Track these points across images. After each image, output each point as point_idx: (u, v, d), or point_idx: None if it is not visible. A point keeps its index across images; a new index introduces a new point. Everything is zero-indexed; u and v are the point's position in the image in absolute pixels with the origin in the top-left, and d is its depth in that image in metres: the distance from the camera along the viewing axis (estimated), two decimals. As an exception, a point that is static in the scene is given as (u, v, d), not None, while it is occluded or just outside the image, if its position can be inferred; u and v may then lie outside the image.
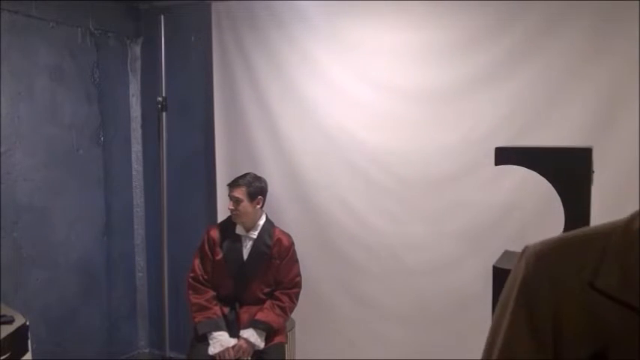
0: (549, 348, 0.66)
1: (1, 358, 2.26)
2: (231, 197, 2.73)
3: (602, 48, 2.42)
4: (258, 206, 2.78)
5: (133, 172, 3.74)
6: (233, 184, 2.76)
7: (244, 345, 2.64)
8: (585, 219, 1.64)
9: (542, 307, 0.67)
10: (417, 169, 2.83)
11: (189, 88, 3.50)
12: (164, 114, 3.09)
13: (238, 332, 2.69)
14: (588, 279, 0.64)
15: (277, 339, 2.74)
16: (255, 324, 2.68)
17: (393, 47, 2.83)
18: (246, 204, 2.72)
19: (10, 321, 2.40)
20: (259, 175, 2.87)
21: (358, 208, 2.99)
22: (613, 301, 0.61)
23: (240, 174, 2.84)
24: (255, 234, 2.75)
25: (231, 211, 2.74)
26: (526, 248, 0.73)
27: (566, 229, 1.64)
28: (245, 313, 2.73)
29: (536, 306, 0.68)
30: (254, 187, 2.75)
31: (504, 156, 1.81)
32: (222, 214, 3.15)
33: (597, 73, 2.42)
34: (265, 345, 2.69)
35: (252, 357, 2.67)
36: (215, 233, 2.79)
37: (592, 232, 0.69)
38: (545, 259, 0.69)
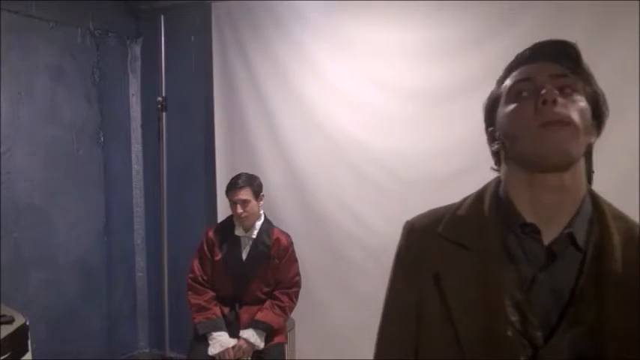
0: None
1: (1, 358, 2.26)
2: (238, 200, 2.67)
3: (601, 47, 2.41)
4: (261, 203, 2.78)
5: (133, 172, 3.74)
6: (235, 187, 2.69)
7: (244, 345, 2.64)
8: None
9: (414, 263, 0.92)
10: (418, 169, 2.82)
11: (189, 88, 3.50)
12: (164, 114, 3.09)
13: (238, 332, 2.68)
14: (437, 230, 0.90)
15: (277, 339, 2.74)
16: (254, 324, 2.68)
17: (393, 47, 2.83)
18: (254, 203, 2.70)
19: (10, 321, 2.40)
20: (258, 174, 2.86)
21: (358, 208, 2.98)
22: (448, 241, 0.88)
23: (240, 174, 2.82)
24: (253, 234, 2.75)
25: (240, 214, 2.67)
26: (405, 223, 0.97)
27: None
28: (245, 313, 2.73)
29: (410, 264, 0.92)
30: (256, 185, 2.74)
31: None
32: (222, 214, 3.15)
33: (597, 72, 2.40)
34: (265, 345, 2.69)
35: (252, 357, 2.67)
36: (214, 234, 2.78)
37: (449, 205, 0.94)
38: (415, 228, 0.95)
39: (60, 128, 3.22)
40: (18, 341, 2.39)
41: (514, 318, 0.80)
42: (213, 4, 3.27)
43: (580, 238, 0.81)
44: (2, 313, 2.45)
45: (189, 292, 2.74)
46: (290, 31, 3.06)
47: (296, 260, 2.81)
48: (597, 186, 1.87)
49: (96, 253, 3.47)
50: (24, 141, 3.02)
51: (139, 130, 3.73)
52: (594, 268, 0.80)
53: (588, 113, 0.81)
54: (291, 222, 3.06)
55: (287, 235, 2.81)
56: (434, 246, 0.89)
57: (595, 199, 0.87)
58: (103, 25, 3.45)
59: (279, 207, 3.12)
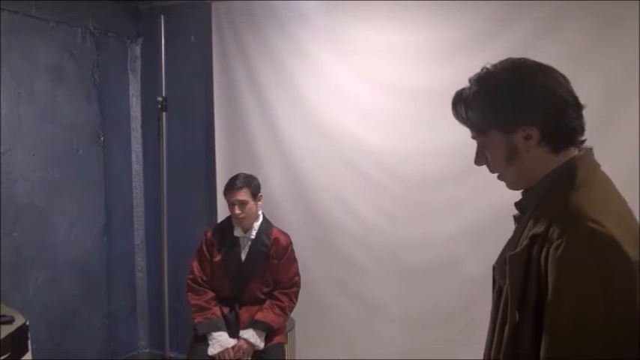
0: None
1: (1, 358, 2.26)
2: (235, 201, 2.66)
3: (601, 48, 2.41)
4: (260, 203, 2.77)
5: (133, 172, 3.74)
6: (233, 188, 2.68)
7: (244, 345, 2.64)
8: (585, 219, 1.63)
9: None
10: (417, 168, 2.82)
11: (189, 88, 3.50)
12: (164, 114, 3.09)
13: (238, 332, 2.68)
14: None
15: (277, 339, 2.74)
16: (254, 324, 2.68)
17: (393, 47, 2.83)
18: (251, 204, 2.70)
19: (10, 321, 2.40)
20: (258, 174, 2.86)
21: (358, 208, 2.99)
22: None
23: (239, 175, 2.81)
24: (252, 234, 2.74)
25: (238, 215, 2.67)
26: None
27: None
28: (245, 314, 2.73)
29: None
30: (254, 186, 2.73)
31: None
32: (222, 214, 3.15)
33: (597, 72, 2.42)
34: (265, 345, 2.69)
35: (251, 357, 2.67)
36: (212, 235, 2.78)
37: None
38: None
39: (60, 128, 3.22)
40: (18, 341, 2.39)
41: None
42: (213, 4, 3.27)
43: (526, 206, 1.17)
44: (2, 313, 2.45)
45: (189, 293, 2.74)
46: (290, 31, 3.06)
47: (295, 260, 2.81)
48: (597, 186, 1.85)
49: (96, 253, 3.47)
50: (24, 141, 3.02)
51: (139, 130, 3.73)
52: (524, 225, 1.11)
53: (492, 148, 1.19)
54: (291, 222, 3.06)
55: (286, 235, 2.81)
56: None
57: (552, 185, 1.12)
58: (103, 25, 3.44)
59: (279, 207, 3.12)
